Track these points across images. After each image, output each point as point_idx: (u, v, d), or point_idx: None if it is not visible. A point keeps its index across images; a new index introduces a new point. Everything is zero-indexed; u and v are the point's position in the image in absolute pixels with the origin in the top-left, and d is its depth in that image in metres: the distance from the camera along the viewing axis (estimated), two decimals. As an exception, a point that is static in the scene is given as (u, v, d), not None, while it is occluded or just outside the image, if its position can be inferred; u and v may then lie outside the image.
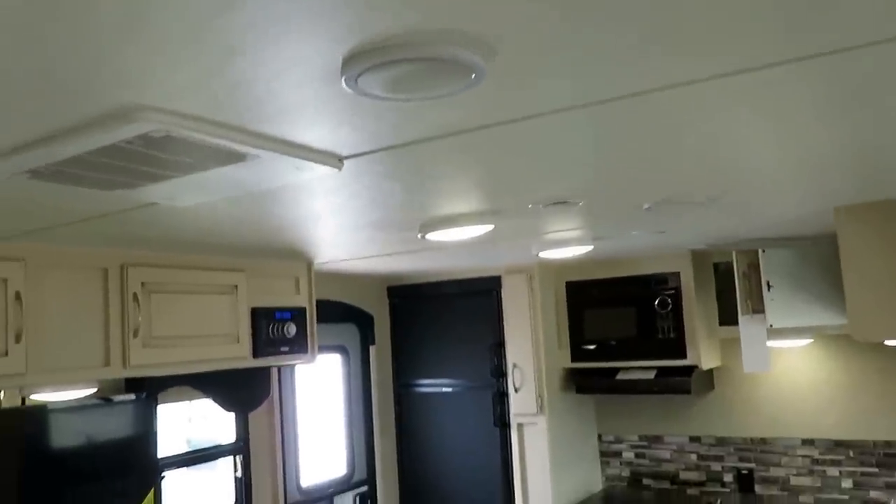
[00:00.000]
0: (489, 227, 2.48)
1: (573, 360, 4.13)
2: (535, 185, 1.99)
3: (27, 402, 2.58)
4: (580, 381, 4.16)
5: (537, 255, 3.44)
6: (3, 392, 2.53)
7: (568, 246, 3.18)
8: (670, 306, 3.88)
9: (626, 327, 4.00)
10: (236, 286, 2.92)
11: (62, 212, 1.89)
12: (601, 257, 3.79)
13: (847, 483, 3.92)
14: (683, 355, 3.86)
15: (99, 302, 2.47)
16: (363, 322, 4.28)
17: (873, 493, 3.85)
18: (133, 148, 1.29)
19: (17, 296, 2.18)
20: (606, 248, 3.45)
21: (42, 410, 2.56)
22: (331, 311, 3.76)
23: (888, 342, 3.53)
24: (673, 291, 3.88)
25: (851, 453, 3.92)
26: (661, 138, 1.56)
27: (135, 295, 2.54)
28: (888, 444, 3.83)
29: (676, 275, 3.89)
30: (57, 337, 2.33)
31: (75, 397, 2.66)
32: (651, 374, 3.95)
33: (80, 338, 2.40)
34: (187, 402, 3.21)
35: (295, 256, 3.13)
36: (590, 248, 3.24)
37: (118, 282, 2.51)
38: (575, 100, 1.26)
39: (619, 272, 4.02)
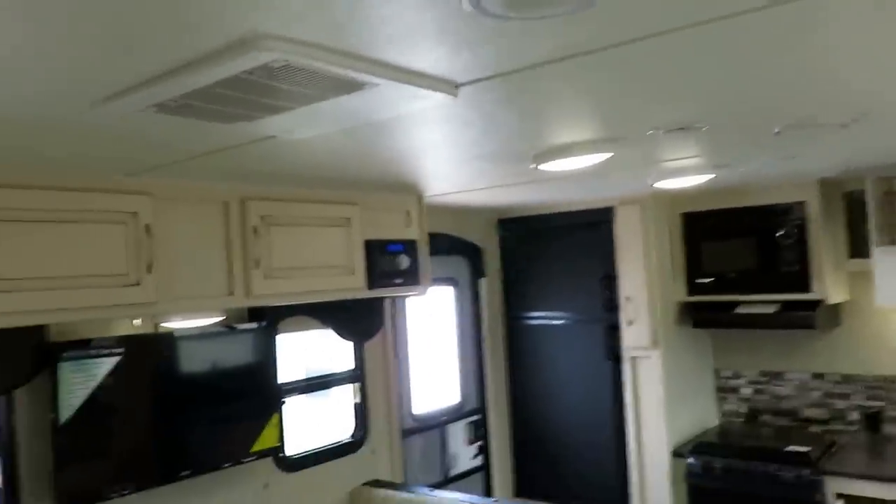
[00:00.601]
0: (606, 156, 2.39)
1: (689, 293, 4.00)
2: (655, 110, 1.89)
3: (159, 330, 2.73)
4: (696, 315, 4.04)
5: (653, 185, 3.31)
6: (138, 320, 2.68)
7: (686, 175, 3.03)
8: (795, 237, 3.67)
9: (747, 259, 3.82)
10: (350, 219, 2.96)
11: (186, 146, 1.95)
12: (720, 186, 3.61)
13: None
14: (808, 289, 3.66)
15: (221, 234, 2.56)
16: (473, 255, 4.28)
17: None
18: (253, 79, 1.29)
19: (147, 229, 2.28)
20: (727, 177, 3.28)
21: (172, 337, 2.70)
22: (441, 244, 3.77)
23: None
24: (798, 222, 3.67)
25: None
26: (795, 54, 1.43)
27: (254, 228, 2.62)
28: None
29: (802, 204, 3.66)
30: (184, 268, 2.43)
31: (202, 325, 2.80)
32: (773, 309, 3.78)
33: (205, 269, 2.50)
34: (304, 331, 3.31)
35: (406, 189, 3.13)
36: (710, 176, 3.08)
37: (238, 215, 2.59)
38: (700, 15, 1.17)
39: (740, 202, 3.82)
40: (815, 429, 4.08)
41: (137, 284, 2.26)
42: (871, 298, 3.75)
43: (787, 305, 3.75)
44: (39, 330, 2.29)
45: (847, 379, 4.02)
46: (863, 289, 3.86)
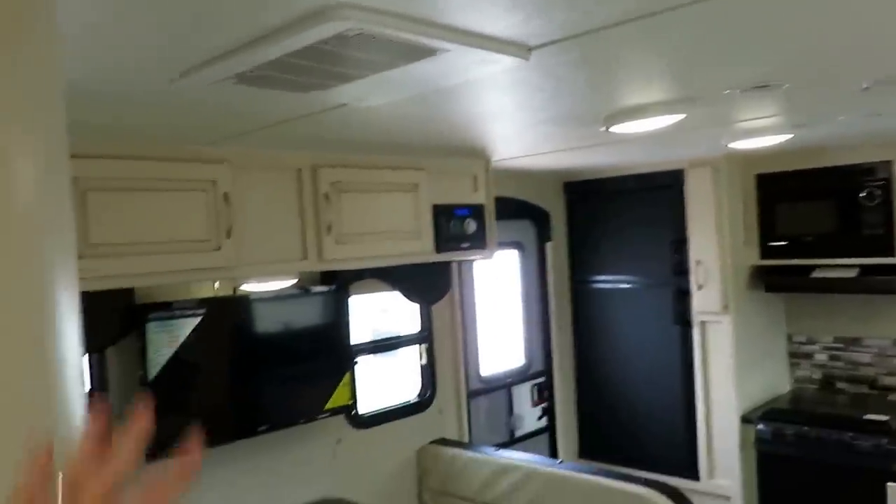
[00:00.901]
0: (679, 118, 2.34)
1: (762, 257, 3.90)
2: (733, 68, 1.84)
3: (237, 293, 2.83)
4: (769, 280, 3.94)
5: (726, 145, 3.22)
6: (217, 283, 2.78)
7: (763, 135, 2.94)
8: (878, 199, 3.53)
9: (825, 222, 3.69)
10: (417, 184, 2.99)
11: (262, 116, 1.99)
12: (798, 146, 3.48)
13: None
14: (892, 252, 3.53)
15: (295, 201, 2.62)
16: (539, 219, 4.27)
17: None
18: (328, 48, 1.31)
19: (226, 196, 2.35)
20: (806, 137, 3.16)
21: (249, 299, 2.79)
22: (507, 208, 3.76)
23: None
24: (882, 182, 3.52)
25: None
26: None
27: (325, 194, 2.67)
28: None
29: (887, 164, 3.51)
30: (260, 233, 2.50)
31: (277, 288, 2.88)
32: (853, 273, 3.65)
33: (279, 234, 2.57)
34: (373, 294, 3.37)
35: (473, 154, 3.13)
36: (788, 136, 2.98)
37: (310, 182, 2.64)
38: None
39: (819, 162, 3.68)
40: (893, 398, 3.96)
41: (218, 249, 2.34)
42: (958, 263, 3.60)
43: (867, 269, 3.62)
44: (127, 293, 2.41)
45: (929, 345, 3.89)
46: (950, 253, 3.70)
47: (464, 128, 2.52)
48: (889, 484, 3.19)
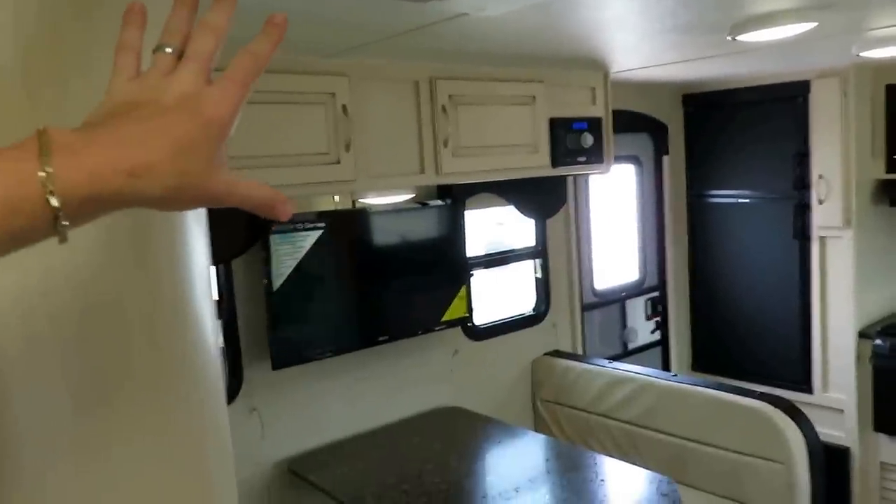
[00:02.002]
0: (811, 26, 2.06)
1: (888, 170, 3.51)
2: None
3: (356, 206, 2.77)
4: (895, 194, 3.56)
5: (857, 55, 2.85)
6: (338, 196, 2.74)
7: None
8: None
9: (966, 131, 3.27)
10: (535, 97, 2.80)
11: (380, 27, 1.87)
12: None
13: None
14: None
15: (412, 114, 2.50)
16: (657, 132, 3.99)
17: None
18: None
19: (344, 109, 2.26)
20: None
21: (368, 213, 2.74)
22: (624, 121, 3.50)
23: None
24: None
25: None
26: None
27: (443, 107, 2.53)
28: None
29: None
30: (378, 146, 2.41)
31: (395, 201, 2.81)
32: None
33: (397, 147, 2.47)
34: (489, 209, 3.26)
35: (592, 66, 2.91)
36: (931, 41, 2.60)
37: (428, 94, 2.51)
38: None
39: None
40: None
41: (338, 163, 2.27)
42: None
43: None
44: (250, 205, 2.39)
45: None
46: None
47: (584, 38, 2.32)
48: None
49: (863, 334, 3.52)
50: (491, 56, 2.48)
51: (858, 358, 3.53)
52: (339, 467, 2.51)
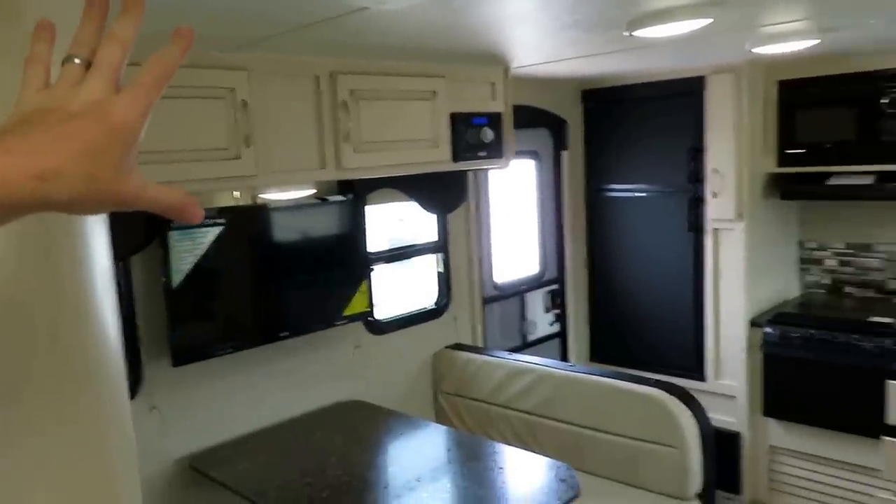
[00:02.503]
0: (706, 22, 2.23)
1: (779, 164, 3.81)
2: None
3: (257, 202, 2.79)
4: (785, 187, 3.86)
5: (750, 51, 3.09)
6: (237, 192, 2.74)
7: (789, 40, 2.81)
8: (899, 106, 3.41)
9: (845, 129, 3.58)
10: (436, 92, 2.89)
11: (281, 19, 1.90)
12: (820, 53, 3.34)
13: None
14: (909, 160, 3.44)
15: (313, 109, 2.54)
16: (556, 127, 4.16)
17: None
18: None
19: (244, 104, 2.28)
20: (831, 42, 3.03)
21: (269, 208, 2.76)
22: (523, 117, 3.65)
23: None
24: (904, 89, 3.40)
25: None
26: None
27: (344, 102, 2.58)
28: None
29: (911, 70, 3.38)
30: (279, 142, 2.44)
31: (296, 197, 2.85)
32: (869, 180, 3.57)
33: (298, 142, 2.51)
34: (390, 204, 3.34)
35: (492, 61, 3.02)
36: (814, 42, 2.85)
37: (329, 89, 2.56)
38: None
39: (841, 69, 3.54)
40: (899, 301, 3.96)
41: (237, 158, 2.29)
42: (975, 170, 3.51)
43: (885, 176, 3.54)
44: (149, 201, 2.37)
45: (939, 252, 3.85)
46: (968, 160, 3.61)
47: (484, 33, 2.41)
48: (889, 381, 3.22)
49: (753, 323, 3.81)
50: (392, 50, 2.55)
51: (749, 346, 3.82)
52: (241, 463, 2.55)
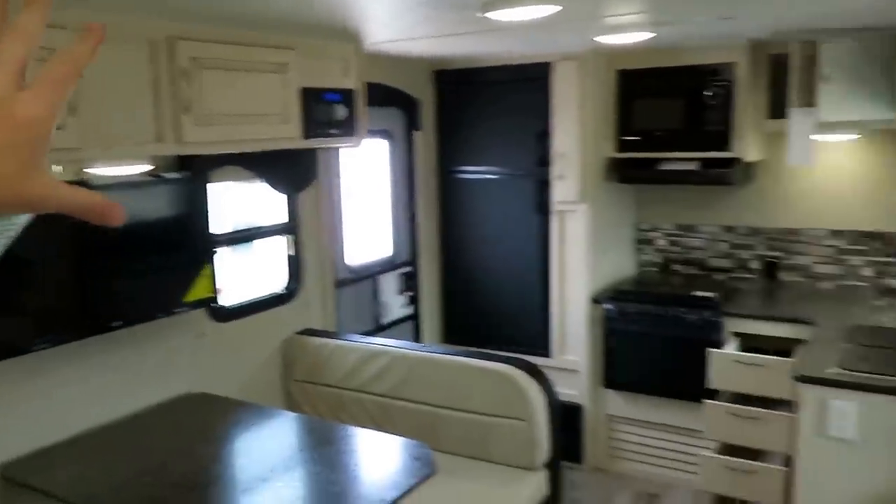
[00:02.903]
0: (556, 9, 2.26)
1: (618, 150, 3.98)
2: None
3: (83, 178, 2.52)
4: (623, 171, 4.04)
5: (593, 40, 3.18)
6: (59, 167, 2.46)
7: (628, 31, 2.92)
8: (721, 98, 3.66)
9: (674, 118, 3.80)
10: (286, 64, 2.74)
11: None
12: (656, 45, 3.51)
13: (868, 272, 3.93)
14: (728, 147, 3.70)
15: (149, 77, 2.32)
16: (408, 107, 4.10)
17: (892, 282, 3.87)
18: None
19: (69, 67, 2.03)
20: (666, 36, 3.19)
21: (97, 186, 2.49)
22: (376, 95, 3.54)
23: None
24: (726, 83, 3.64)
25: (877, 244, 3.89)
26: None
27: (184, 70, 2.38)
28: (914, 236, 3.79)
29: (731, 66, 3.62)
30: (110, 111, 2.20)
31: (130, 174, 2.60)
32: (694, 166, 3.82)
33: (132, 113, 2.28)
34: (235, 183, 3.15)
35: (345, 36, 2.91)
36: (651, 35, 2.98)
37: (167, 56, 2.34)
38: None
39: (673, 61, 3.75)
40: (719, 277, 4.28)
41: (59, 128, 2.03)
42: (783, 158, 3.84)
43: (707, 163, 3.79)
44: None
45: (753, 231, 4.19)
46: (777, 148, 3.94)
47: (335, 5, 2.31)
48: (712, 351, 3.46)
49: (595, 300, 3.97)
50: (238, 18, 2.38)
51: (591, 322, 3.98)
52: (68, 467, 2.29)
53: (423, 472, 2.14)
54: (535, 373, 2.86)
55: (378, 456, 2.44)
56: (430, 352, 3.11)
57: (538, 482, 2.81)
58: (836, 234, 3.98)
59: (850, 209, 3.92)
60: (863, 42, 3.09)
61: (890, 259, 3.87)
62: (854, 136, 3.75)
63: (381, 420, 3.08)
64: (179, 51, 2.35)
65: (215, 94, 2.48)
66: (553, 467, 2.88)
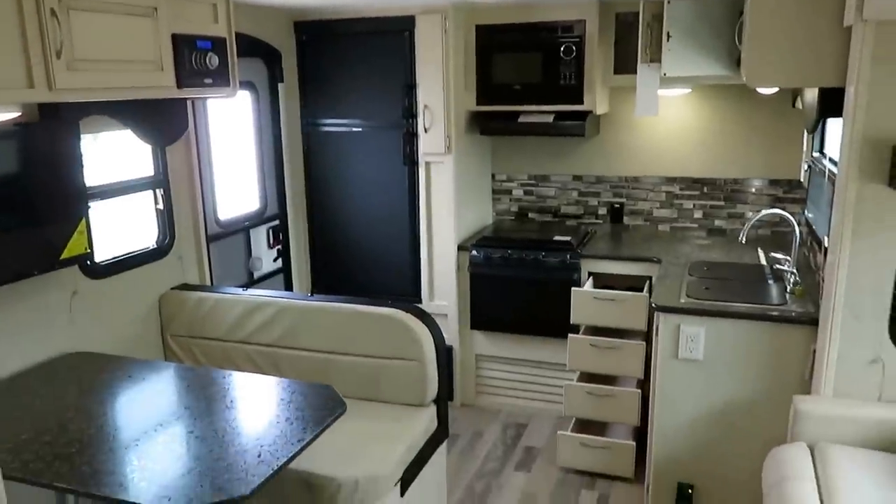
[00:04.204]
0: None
1: (479, 103, 4.14)
2: None
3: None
4: (484, 124, 4.21)
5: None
6: None
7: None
8: (573, 54, 3.90)
9: (532, 73, 4.00)
10: (156, 8, 2.60)
11: None
12: (514, 3, 3.67)
13: (698, 214, 4.39)
14: (580, 101, 3.96)
15: (14, 17, 2.13)
16: (271, 58, 4.01)
17: (717, 222, 4.35)
18: None
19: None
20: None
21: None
22: (238, 45, 3.42)
23: (762, 90, 3.80)
24: (577, 39, 3.89)
25: (705, 189, 4.34)
26: None
27: (52, 10, 2.21)
28: (735, 181, 4.27)
29: (582, 23, 3.87)
30: (-25, 54, 2.02)
31: (-6, 122, 2.39)
32: (549, 118, 4.05)
33: (-1, 57, 2.10)
34: (103, 133, 2.97)
35: (214, -20, 2.81)
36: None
37: (33, -6, 2.16)
38: None
39: (530, 18, 3.94)
40: (571, 222, 4.59)
41: (-75, 70, 1.85)
42: (629, 110, 4.17)
43: (561, 115, 4.04)
44: None
45: (599, 180, 4.53)
46: (621, 102, 4.27)
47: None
48: (573, 289, 3.74)
49: (461, 247, 4.14)
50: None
51: (458, 268, 4.15)
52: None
53: (338, 409, 2.20)
54: (422, 315, 2.97)
55: (285, 399, 2.45)
56: (317, 300, 3.13)
57: (430, 416, 2.95)
58: (671, 180, 4.40)
59: (683, 158, 4.35)
60: (702, 3, 3.41)
61: (716, 203, 4.34)
62: (688, 90, 4.14)
63: (269, 370, 3.08)
64: (47, -12, 2.18)
65: (87, 39, 2.33)
66: (441, 402, 3.03)
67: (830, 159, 3.13)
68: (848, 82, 2.43)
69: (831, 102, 2.60)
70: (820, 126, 3.40)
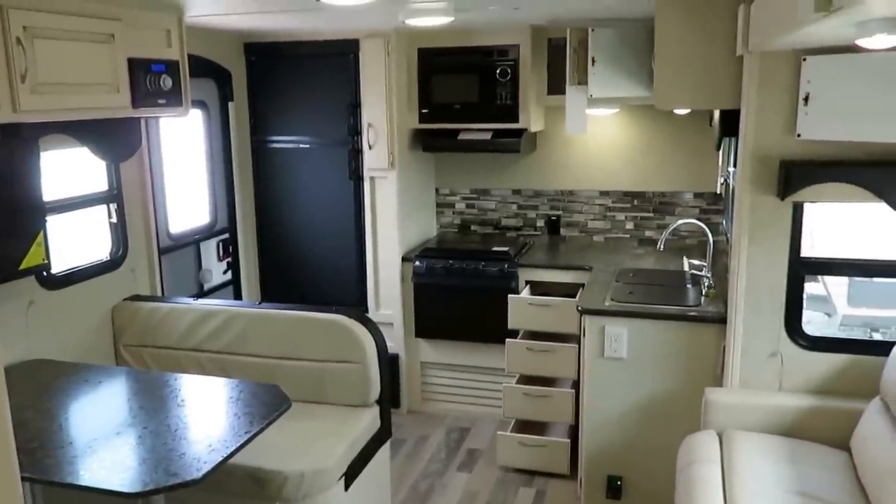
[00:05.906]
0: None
1: (421, 121, 4.43)
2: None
3: None
4: (426, 141, 4.51)
5: (403, 21, 3.56)
6: None
7: (433, 15, 3.32)
8: (509, 76, 4.23)
9: (470, 93, 4.32)
10: (113, 35, 2.83)
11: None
12: (452, 28, 3.98)
13: (630, 225, 4.74)
14: (516, 119, 4.29)
15: (-19, 44, 2.35)
16: (221, 78, 4.24)
17: (648, 233, 4.71)
18: None
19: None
20: (464, 20, 3.65)
21: None
22: (189, 66, 3.66)
23: (677, 111, 4.17)
24: (512, 62, 4.22)
25: (636, 202, 4.70)
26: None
27: (17, 38, 2.43)
28: (663, 194, 4.64)
29: (516, 47, 4.20)
30: (-56, 78, 2.23)
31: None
32: (488, 136, 4.37)
33: (-34, 81, 2.31)
34: (60, 151, 3.17)
35: (167, 8, 3.04)
36: (451, 19, 3.41)
37: (0, 24, 2.38)
38: None
39: (468, 42, 4.26)
40: (511, 234, 4.90)
41: None
42: (560, 128, 4.51)
43: (498, 133, 4.36)
44: None
45: (537, 194, 4.85)
46: (555, 120, 4.62)
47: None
48: (510, 296, 4.04)
49: (405, 258, 4.41)
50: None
51: (402, 279, 4.42)
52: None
53: (283, 405, 2.43)
54: (365, 320, 3.22)
55: (233, 398, 2.67)
56: (266, 308, 3.35)
57: (373, 416, 3.19)
58: (604, 193, 4.75)
59: (615, 172, 4.70)
60: (622, 31, 3.76)
61: (646, 214, 4.70)
62: (615, 110, 4.50)
63: (219, 375, 3.27)
64: (12, 19, 2.39)
65: (49, 64, 2.54)
66: (384, 404, 3.28)
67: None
68: (742, 105, 2.79)
69: (731, 122, 2.96)
70: (731, 143, 3.77)
